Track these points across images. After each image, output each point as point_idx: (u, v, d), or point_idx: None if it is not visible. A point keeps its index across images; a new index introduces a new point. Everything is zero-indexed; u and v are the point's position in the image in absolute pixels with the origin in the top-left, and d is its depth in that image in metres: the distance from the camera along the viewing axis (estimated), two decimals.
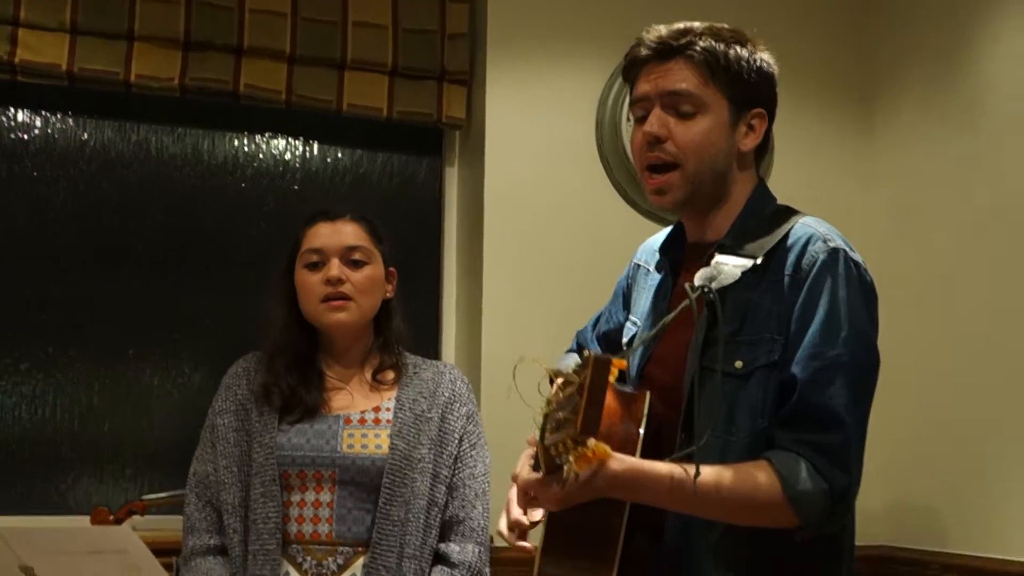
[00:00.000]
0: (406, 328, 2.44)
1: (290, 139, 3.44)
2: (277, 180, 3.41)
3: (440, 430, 2.31)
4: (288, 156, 3.44)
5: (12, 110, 3.19)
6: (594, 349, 2.07)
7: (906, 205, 3.50)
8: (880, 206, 3.58)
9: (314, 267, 2.33)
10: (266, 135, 3.42)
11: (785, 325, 1.68)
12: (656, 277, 1.93)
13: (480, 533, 2.29)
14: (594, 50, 3.45)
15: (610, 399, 1.70)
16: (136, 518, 2.88)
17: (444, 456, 2.30)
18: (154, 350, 3.25)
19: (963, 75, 3.29)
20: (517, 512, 1.77)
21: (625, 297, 2.04)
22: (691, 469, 1.58)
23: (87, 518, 2.94)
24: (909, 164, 3.51)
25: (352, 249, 2.34)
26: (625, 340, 1.94)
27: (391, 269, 2.42)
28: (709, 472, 1.59)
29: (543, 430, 1.51)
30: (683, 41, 1.76)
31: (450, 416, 2.34)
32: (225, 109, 3.30)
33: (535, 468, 1.60)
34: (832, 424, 1.62)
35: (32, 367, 3.14)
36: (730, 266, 1.70)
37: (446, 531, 2.29)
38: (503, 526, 1.80)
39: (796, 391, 1.64)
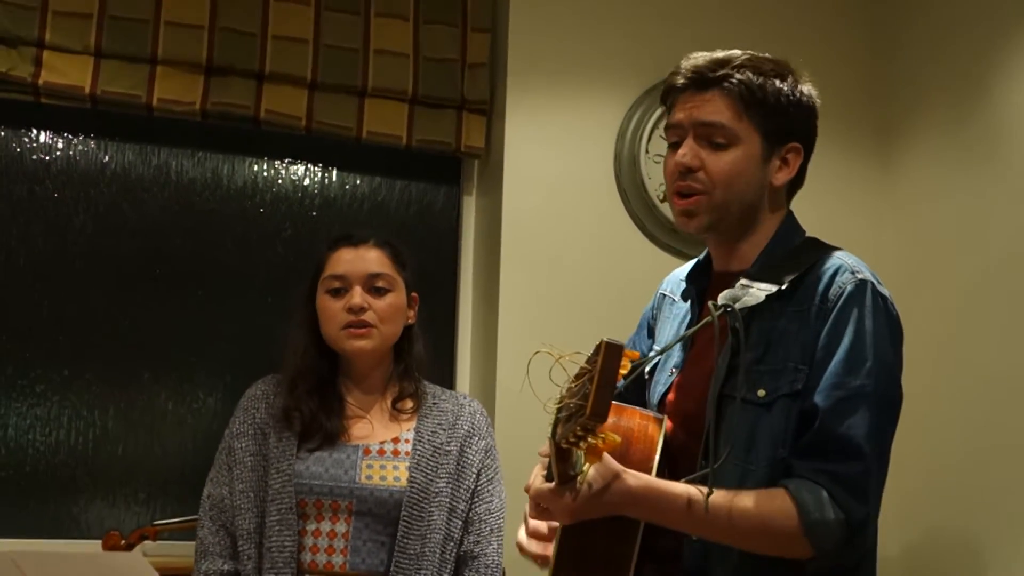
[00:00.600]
0: (426, 355, 2.43)
1: (309, 165, 3.45)
2: (296, 206, 3.42)
3: (458, 463, 2.29)
4: (307, 182, 3.45)
5: (35, 131, 3.20)
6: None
7: (922, 243, 3.49)
8: (896, 243, 3.57)
9: (336, 293, 2.32)
10: (286, 161, 3.43)
11: (809, 355, 1.67)
12: (682, 306, 1.92)
13: (494, 569, 2.28)
14: (613, 82, 3.46)
15: (627, 422, 1.70)
16: (147, 543, 2.88)
17: (461, 490, 2.28)
18: (170, 374, 3.25)
19: (980, 114, 3.28)
20: (535, 522, 1.75)
21: (650, 327, 2.03)
22: (704, 493, 1.57)
23: (99, 542, 2.93)
24: (925, 202, 3.50)
25: (375, 276, 2.33)
26: (648, 369, 1.93)
27: (413, 295, 2.41)
28: (724, 495, 1.58)
29: (555, 425, 1.49)
30: (720, 73, 1.76)
31: (468, 450, 2.32)
32: (245, 134, 3.32)
33: (547, 478, 1.59)
34: (852, 454, 1.61)
35: (47, 389, 3.14)
36: (755, 288, 1.70)
37: (460, 566, 2.27)
38: (522, 536, 1.78)
39: (817, 420, 1.62)
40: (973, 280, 3.26)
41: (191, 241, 3.31)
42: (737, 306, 1.67)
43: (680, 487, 1.59)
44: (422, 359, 2.42)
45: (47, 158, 3.21)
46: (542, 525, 1.75)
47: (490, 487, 2.32)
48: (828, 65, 3.65)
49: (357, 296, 2.29)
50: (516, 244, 3.34)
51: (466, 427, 2.34)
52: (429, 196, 3.55)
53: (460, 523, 2.26)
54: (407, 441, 2.28)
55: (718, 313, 1.67)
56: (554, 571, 1.66)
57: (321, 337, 2.35)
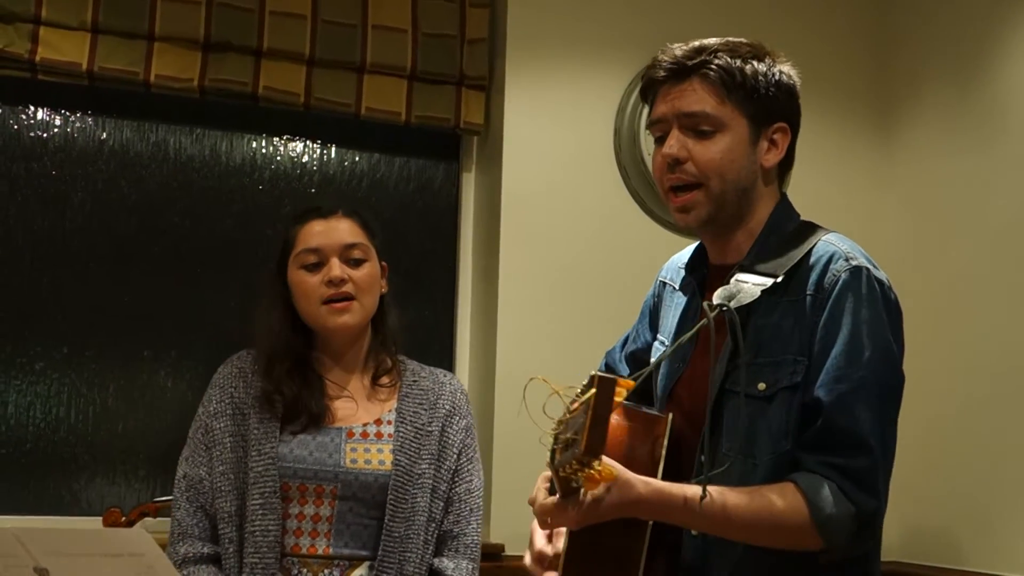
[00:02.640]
0: (401, 326, 2.37)
1: (308, 142, 3.44)
2: (294, 183, 3.41)
3: (440, 444, 2.27)
4: (306, 159, 3.44)
5: (32, 108, 3.19)
6: (622, 370, 2.05)
7: (924, 216, 3.48)
8: (898, 217, 3.57)
9: (312, 268, 2.25)
10: (284, 137, 3.41)
11: (807, 346, 1.66)
12: (682, 298, 1.91)
13: (473, 549, 2.27)
14: (613, 58, 3.44)
15: (633, 421, 1.70)
16: (148, 520, 2.88)
17: (443, 471, 2.26)
18: (169, 352, 3.24)
19: (981, 86, 3.27)
20: (540, 543, 1.76)
21: (652, 316, 2.02)
22: (715, 491, 1.57)
23: (99, 519, 2.94)
24: (927, 175, 3.49)
25: (351, 247, 2.27)
26: (652, 359, 1.93)
27: (383, 264, 2.35)
28: (733, 493, 1.58)
29: (553, 452, 1.50)
30: (698, 60, 1.75)
31: (450, 429, 2.30)
32: (244, 111, 3.30)
33: (551, 492, 1.59)
34: (859, 447, 1.61)
35: (47, 367, 3.14)
36: (750, 284, 1.68)
37: (440, 545, 2.26)
38: (528, 561, 1.78)
39: (821, 414, 1.62)
40: (974, 253, 3.26)
41: (189, 218, 3.30)
42: (732, 304, 1.66)
43: (688, 490, 1.59)
44: (397, 330, 2.36)
45: (44, 135, 3.20)
46: (548, 549, 1.74)
47: (470, 467, 2.31)
48: (829, 39, 3.64)
49: (336, 268, 2.23)
50: (515, 220, 3.33)
51: (447, 406, 2.31)
52: (428, 172, 3.54)
53: (441, 504, 2.25)
54: (389, 423, 2.26)
55: (714, 314, 1.65)
56: (564, 568, 1.66)
57: (296, 315, 2.29)
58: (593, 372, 1.43)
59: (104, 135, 3.25)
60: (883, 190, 3.64)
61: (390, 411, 2.28)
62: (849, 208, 3.46)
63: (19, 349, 3.12)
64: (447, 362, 3.48)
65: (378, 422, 2.26)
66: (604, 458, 1.42)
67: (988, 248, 3.20)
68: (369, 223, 2.35)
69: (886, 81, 3.68)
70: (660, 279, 2.02)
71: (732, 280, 1.71)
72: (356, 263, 2.27)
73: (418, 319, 3.49)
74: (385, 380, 2.31)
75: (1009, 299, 3.11)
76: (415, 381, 2.33)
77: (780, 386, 1.66)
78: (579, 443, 1.38)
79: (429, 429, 2.27)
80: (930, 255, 3.42)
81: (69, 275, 3.17)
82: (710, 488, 1.57)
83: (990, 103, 3.24)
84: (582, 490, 1.50)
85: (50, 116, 3.21)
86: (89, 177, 3.22)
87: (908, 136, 3.60)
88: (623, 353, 2.08)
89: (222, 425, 2.24)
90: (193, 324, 3.27)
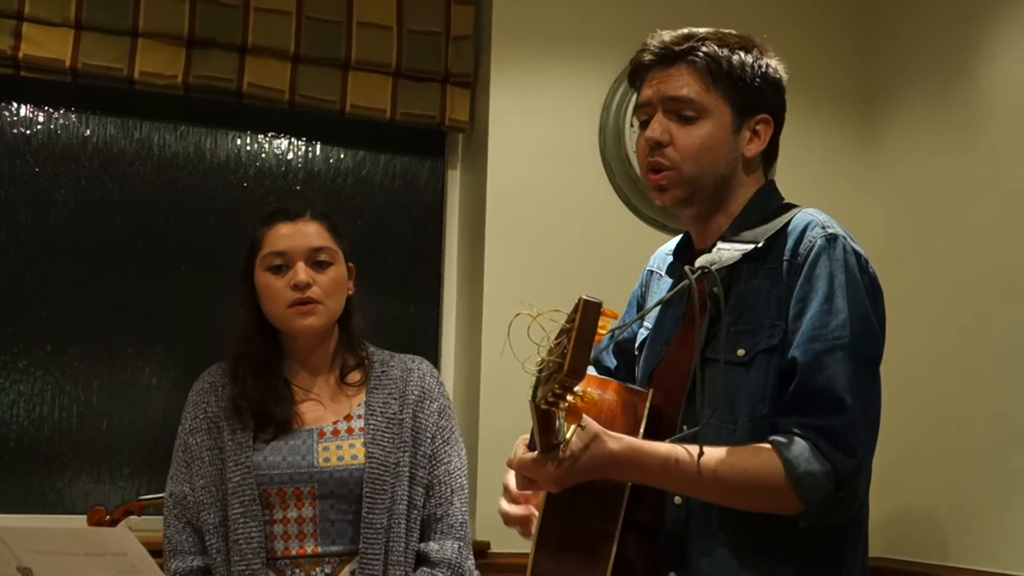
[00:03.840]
0: (368, 323, 2.37)
1: (293, 139, 3.43)
2: (279, 180, 3.40)
3: (413, 430, 2.27)
4: (291, 156, 3.43)
5: (15, 105, 3.18)
6: (608, 361, 2.06)
7: (906, 213, 3.50)
8: (879, 215, 3.58)
9: (278, 270, 2.24)
10: (269, 135, 3.41)
11: (784, 310, 1.68)
12: (667, 281, 1.93)
13: (459, 529, 2.26)
14: (598, 55, 3.45)
15: (613, 396, 1.70)
16: (132, 518, 2.87)
17: (419, 457, 2.26)
18: (153, 349, 3.24)
19: (963, 86, 3.29)
20: (512, 481, 1.74)
21: (639, 306, 2.03)
22: (693, 449, 1.58)
23: (84, 517, 2.93)
24: (909, 174, 3.51)
25: (317, 250, 2.25)
26: (637, 343, 1.94)
27: (350, 265, 2.34)
28: (710, 452, 1.59)
29: (536, 384, 1.48)
30: (685, 46, 1.77)
31: (421, 415, 2.29)
32: (228, 108, 3.30)
33: (530, 448, 1.59)
34: (834, 406, 1.61)
35: (30, 364, 3.13)
36: (730, 250, 1.71)
37: (425, 530, 2.26)
38: (503, 504, 1.78)
39: (796, 374, 1.63)
40: (956, 250, 3.27)
41: (174, 216, 3.29)
42: (714, 267, 1.68)
43: (664, 446, 1.60)
44: (362, 329, 2.36)
45: (28, 132, 3.19)
46: (517, 488, 1.73)
47: (447, 448, 2.30)
48: (812, 39, 3.65)
49: (302, 272, 2.22)
50: (501, 217, 3.33)
51: (416, 392, 2.31)
52: (413, 170, 3.54)
53: (421, 489, 2.25)
54: (359, 417, 2.26)
55: (695, 275, 1.67)
56: (536, 547, 1.66)
57: (262, 316, 2.28)
58: (580, 296, 1.40)
59: (88, 132, 3.24)
60: (866, 189, 3.65)
61: (359, 405, 2.28)
62: (832, 207, 3.42)
63: (2, 347, 3.11)
64: (433, 359, 3.47)
65: (348, 418, 2.26)
66: (587, 389, 1.41)
67: (970, 246, 3.22)
68: (337, 225, 2.34)
69: (869, 81, 3.69)
70: (648, 268, 2.04)
71: (714, 249, 1.73)
72: (322, 266, 2.26)
73: (404, 316, 3.50)
74: (354, 377, 2.31)
75: (991, 296, 3.13)
76: (384, 372, 2.32)
77: (758, 350, 1.67)
78: (562, 366, 1.36)
79: (400, 418, 2.27)
80: (912, 254, 3.43)
81: (53, 272, 3.16)
82: (688, 447, 1.58)
83: (972, 103, 3.25)
84: (562, 445, 1.49)
85: (33, 113, 3.19)
86: (73, 174, 3.21)
87: (891, 136, 3.61)
88: (613, 345, 2.09)
89: (198, 440, 2.25)
90: (177, 321, 3.26)
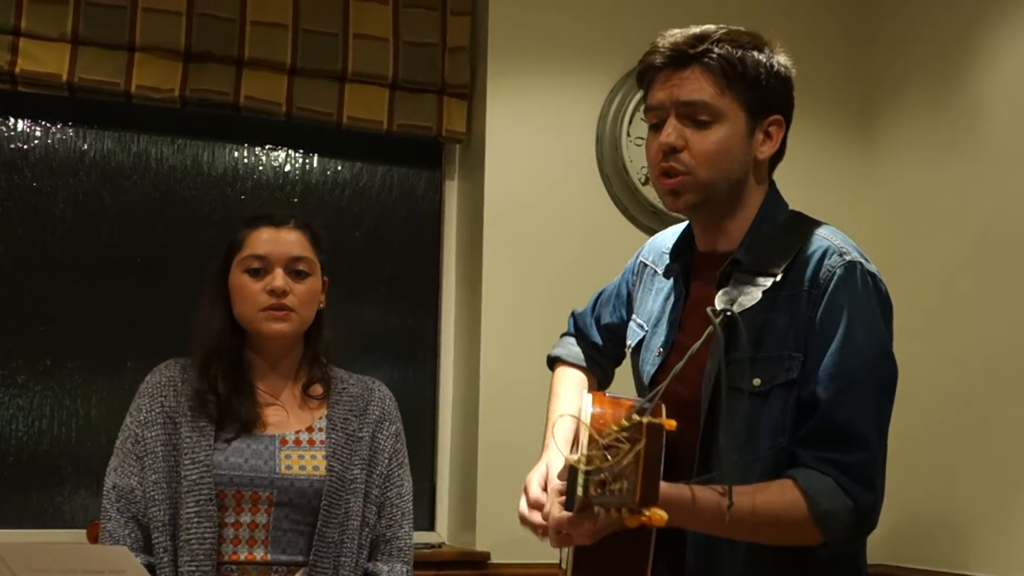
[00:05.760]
0: (334, 340, 2.36)
1: (290, 151, 3.44)
2: (277, 192, 3.41)
3: (371, 449, 2.28)
4: (288, 168, 3.43)
5: (12, 120, 3.18)
6: (595, 336, 2.06)
7: (903, 222, 3.50)
8: (877, 223, 3.58)
9: (256, 273, 2.24)
10: (266, 147, 3.41)
11: (803, 342, 1.66)
12: (665, 283, 1.89)
13: (407, 552, 2.28)
14: (595, 65, 3.45)
15: (625, 413, 1.69)
16: None
17: (374, 476, 2.27)
18: (152, 362, 3.20)
19: (961, 93, 3.29)
20: (536, 492, 1.74)
21: (629, 294, 2.01)
22: (717, 491, 1.57)
23: (83, 532, 2.93)
24: (907, 181, 3.51)
25: (297, 260, 2.25)
26: (631, 343, 1.92)
27: (325, 279, 2.34)
28: (739, 496, 1.57)
29: (585, 487, 1.45)
30: (700, 48, 1.72)
31: (380, 435, 2.30)
32: (225, 120, 3.30)
33: (566, 507, 1.57)
34: (856, 442, 1.61)
35: (29, 379, 3.13)
36: (751, 286, 1.68)
37: (373, 549, 2.26)
38: (523, 507, 1.75)
39: (818, 409, 1.62)
40: (952, 259, 3.27)
41: (172, 229, 3.29)
42: (736, 309, 1.64)
43: (695, 491, 1.58)
44: (330, 344, 2.35)
45: (25, 147, 3.19)
46: (543, 496, 1.73)
47: (400, 471, 2.31)
48: (810, 46, 3.65)
49: (279, 279, 2.22)
50: (498, 228, 3.33)
51: (377, 412, 2.31)
52: (411, 181, 3.55)
53: (375, 508, 2.26)
54: (320, 430, 2.25)
55: (719, 320, 1.63)
56: (574, 570, 1.66)
57: (234, 316, 2.28)
58: (637, 416, 1.38)
59: (85, 146, 3.24)
60: (864, 195, 3.65)
61: (321, 419, 2.28)
62: (831, 213, 3.43)
63: (1, 361, 3.11)
64: (431, 368, 3.49)
65: (310, 429, 2.26)
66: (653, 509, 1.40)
67: (968, 253, 3.22)
68: (319, 238, 2.33)
69: (868, 88, 3.70)
70: (640, 259, 2.00)
71: (731, 281, 1.70)
72: (300, 275, 2.26)
73: (402, 327, 3.50)
74: (316, 390, 2.31)
75: (990, 304, 3.13)
76: (344, 388, 2.33)
77: (776, 382, 1.66)
78: (631, 492, 1.35)
79: (360, 435, 2.27)
80: (911, 260, 3.43)
81: (51, 286, 3.17)
82: (711, 488, 1.57)
83: (970, 110, 3.26)
84: (598, 509, 1.49)
85: (31, 128, 3.20)
86: (71, 188, 3.21)
87: (889, 142, 3.61)
88: (594, 318, 2.08)
89: (153, 434, 2.22)
90: (176, 334, 3.23)
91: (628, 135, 3.40)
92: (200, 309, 2.31)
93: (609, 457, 1.41)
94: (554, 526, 1.61)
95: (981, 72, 3.23)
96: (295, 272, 2.25)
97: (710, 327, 1.63)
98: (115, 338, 3.20)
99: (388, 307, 3.48)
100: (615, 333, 2.01)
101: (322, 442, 2.24)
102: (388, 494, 2.29)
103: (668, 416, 1.68)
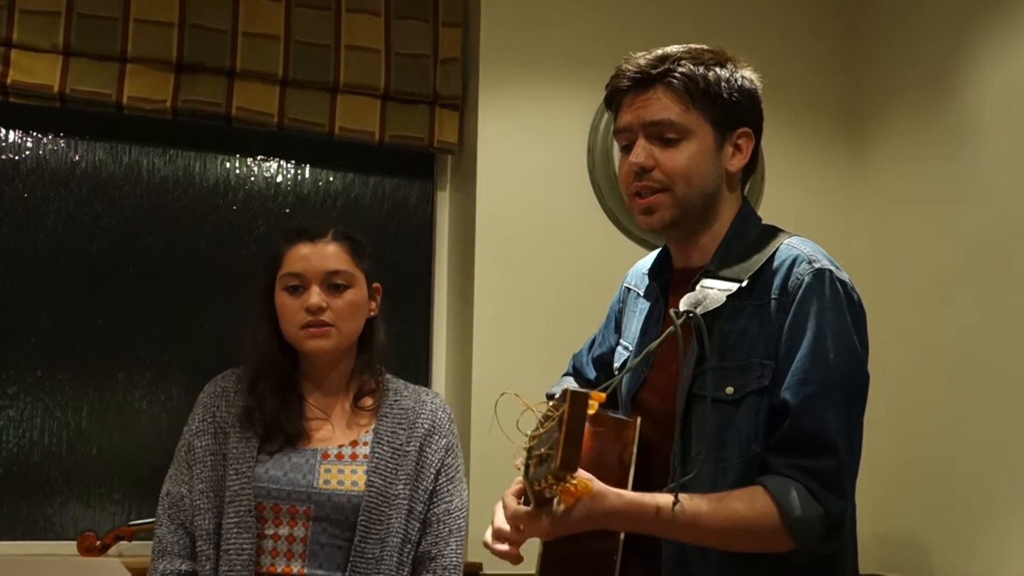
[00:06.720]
0: (389, 346, 2.37)
1: (282, 162, 3.44)
2: (269, 203, 3.41)
3: (417, 463, 2.26)
4: (280, 179, 3.44)
5: (3, 131, 3.18)
6: (589, 373, 2.07)
7: (894, 235, 3.51)
8: (868, 236, 3.59)
9: (294, 291, 2.25)
10: (258, 158, 3.41)
11: (773, 349, 1.68)
12: (645, 303, 1.93)
13: (452, 571, 2.24)
14: (586, 76, 3.45)
15: (601, 427, 1.70)
16: (123, 543, 2.87)
17: (419, 491, 2.25)
18: (143, 373, 3.23)
19: (950, 102, 3.30)
20: (500, 521, 1.74)
21: (617, 320, 2.04)
22: (686, 499, 1.58)
23: (74, 543, 2.92)
24: (897, 190, 3.52)
25: (333, 274, 2.25)
26: (617, 364, 1.95)
27: (376, 285, 2.34)
28: (706, 502, 1.59)
29: (527, 465, 1.50)
30: (661, 69, 1.76)
31: (428, 449, 2.28)
32: (217, 132, 3.30)
33: (524, 502, 1.59)
34: (826, 449, 1.62)
35: (20, 390, 3.12)
36: (715, 290, 1.70)
37: (418, 567, 2.24)
38: (488, 536, 1.77)
39: (788, 416, 1.63)
40: (943, 269, 3.28)
41: (163, 240, 3.29)
42: (699, 311, 1.68)
43: (660, 499, 1.59)
44: (384, 350, 2.35)
45: (16, 158, 3.19)
46: (506, 526, 1.72)
47: (450, 487, 2.28)
48: (800, 59, 3.67)
49: (315, 296, 2.22)
50: (490, 239, 3.34)
51: (426, 425, 2.29)
52: (403, 192, 3.55)
53: (418, 524, 2.23)
54: (365, 444, 2.25)
55: (681, 321, 1.66)
56: (541, 572, 1.66)
57: (282, 332, 2.29)
58: (565, 387, 1.43)
59: (77, 157, 3.24)
60: (854, 206, 3.66)
61: (367, 432, 2.27)
62: (821, 223, 3.48)
63: None
64: (423, 380, 3.48)
65: (354, 443, 2.25)
66: (579, 471, 1.42)
67: (959, 263, 3.23)
68: (359, 247, 2.32)
69: (857, 98, 3.71)
70: (625, 285, 2.04)
71: (697, 287, 1.72)
72: (338, 289, 2.25)
73: (394, 337, 3.48)
74: (367, 402, 2.30)
75: (980, 312, 3.14)
76: (396, 400, 2.31)
77: (748, 390, 1.68)
78: (554, 458, 1.39)
79: (406, 449, 2.26)
80: (901, 271, 3.44)
81: (42, 298, 3.16)
82: (682, 496, 1.58)
83: (959, 119, 3.27)
84: (555, 500, 1.50)
85: (22, 139, 3.19)
86: (62, 199, 3.21)
87: (879, 152, 3.63)
88: (590, 356, 2.11)
89: (203, 443, 2.25)
90: (167, 345, 3.25)
91: (612, 136, 3.40)
92: (247, 326, 2.32)
93: (542, 430, 1.44)
94: (511, 520, 1.62)
95: (971, 83, 3.24)
96: (332, 286, 2.25)
97: (671, 328, 1.66)
98: (106, 349, 3.20)
99: (380, 317, 3.47)
100: (607, 363, 2.02)
101: (365, 456, 2.23)
102: (435, 510, 2.26)
103: (644, 429, 1.70)
